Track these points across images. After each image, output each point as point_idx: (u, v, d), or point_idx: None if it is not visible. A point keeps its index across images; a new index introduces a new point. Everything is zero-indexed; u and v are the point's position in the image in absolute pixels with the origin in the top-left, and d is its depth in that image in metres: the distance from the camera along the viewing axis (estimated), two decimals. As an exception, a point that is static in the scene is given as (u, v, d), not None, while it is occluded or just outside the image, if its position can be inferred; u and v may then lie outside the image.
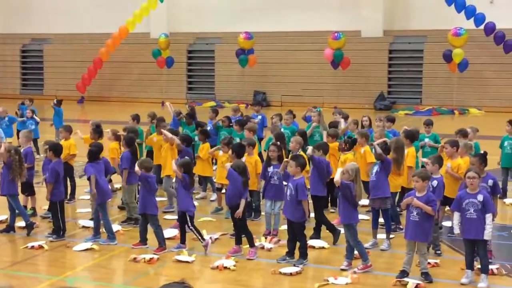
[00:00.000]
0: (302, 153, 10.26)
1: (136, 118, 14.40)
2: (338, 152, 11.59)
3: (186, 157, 11.11)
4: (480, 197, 8.35)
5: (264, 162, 10.85)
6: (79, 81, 33.26)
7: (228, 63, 32.09)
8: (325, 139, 12.03)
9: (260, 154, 12.83)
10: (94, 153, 10.61)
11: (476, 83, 29.05)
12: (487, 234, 8.30)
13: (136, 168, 10.03)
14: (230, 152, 10.80)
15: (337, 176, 8.95)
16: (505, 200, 12.81)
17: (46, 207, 11.36)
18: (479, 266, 8.57)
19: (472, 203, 8.35)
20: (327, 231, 10.28)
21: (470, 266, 8.54)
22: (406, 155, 10.97)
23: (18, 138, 13.07)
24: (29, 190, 11.64)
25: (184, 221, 9.89)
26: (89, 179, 10.37)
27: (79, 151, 12.76)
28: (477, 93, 29.07)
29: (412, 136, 11.57)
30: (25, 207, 11.56)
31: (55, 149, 10.67)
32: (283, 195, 10.27)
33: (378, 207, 10.07)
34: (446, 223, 10.68)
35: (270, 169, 10.50)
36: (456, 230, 8.59)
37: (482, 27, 27.82)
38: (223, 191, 11.50)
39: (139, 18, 32.04)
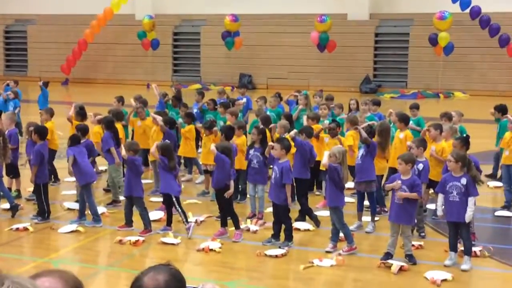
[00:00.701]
0: (287, 136, 10.27)
1: (120, 100, 14.35)
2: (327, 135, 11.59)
3: (167, 140, 11.13)
4: (463, 181, 8.41)
5: (248, 146, 10.88)
6: (63, 63, 33.01)
7: (214, 45, 31.96)
8: (305, 123, 12.02)
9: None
10: (76, 139, 10.54)
11: (461, 67, 29.14)
12: (468, 217, 8.37)
13: (123, 152, 10.01)
14: (219, 134, 10.78)
15: (324, 159, 8.98)
16: (488, 183, 12.91)
17: (31, 189, 11.32)
18: (463, 248, 8.66)
19: (456, 186, 8.41)
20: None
21: (453, 248, 8.62)
22: (404, 137, 11.00)
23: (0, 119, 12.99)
24: (13, 172, 11.59)
25: (170, 203, 9.91)
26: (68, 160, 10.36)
27: (63, 133, 12.68)
28: (462, 76, 29.17)
29: (406, 119, 11.56)
30: (10, 189, 11.51)
31: (41, 131, 10.60)
32: (263, 179, 10.38)
33: (364, 190, 10.12)
34: (430, 206, 10.77)
35: (251, 152, 10.54)
36: (439, 212, 8.69)
37: (467, 10, 27.88)
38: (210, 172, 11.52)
39: (124, -1, 31.77)
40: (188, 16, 33.68)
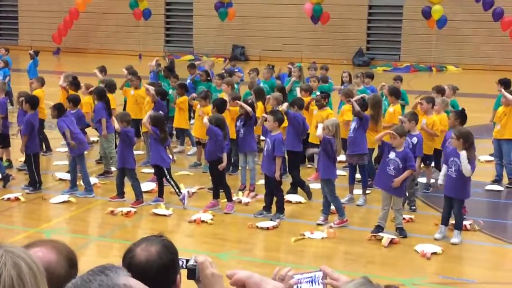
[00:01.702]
0: (280, 109, 10.26)
1: (103, 70, 14.33)
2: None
3: (159, 111, 11.10)
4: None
5: (236, 117, 10.88)
6: (55, 32, 32.72)
7: (207, 16, 31.72)
8: (299, 95, 12.01)
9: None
10: (61, 109, 10.44)
11: (454, 40, 29.07)
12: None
13: (116, 125, 9.96)
14: (211, 107, 10.75)
15: (319, 131, 8.98)
16: (480, 157, 12.95)
17: (23, 159, 11.28)
18: (453, 222, 8.72)
19: (455, 162, 8.43)
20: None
21: (445, 221, 8.68)
22: (393, 112, 11.01)
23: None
24: (4, 141, 11.53)
25: (161, 174, 9.91)
26: (63, 134, 10.28)
27: (54, 103, 12.60)
28: (455, 50, 29.11)
29: (397, 93, 11.56)
30: (1, 159, 11.47)
31: (32, 101, 10.52)
32: (249, 146, 10.37)
33: (355, 163, 10.15)
34: (422, 179, 10.82)
35: (238, 123, 10.57)
36: (440, 181, 8.70)
37: (462, -16, 27.76)
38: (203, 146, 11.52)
39: (116, -32, 31.42)
40: (181, -14, 33.38)
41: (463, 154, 8.26)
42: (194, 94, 12.48)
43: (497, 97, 12.34)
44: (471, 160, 8.35)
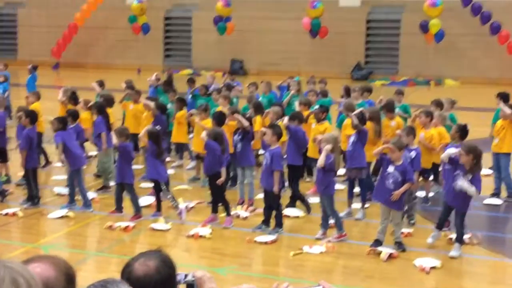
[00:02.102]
0: (280, 123, 10.28)
1: (101, 84, 14.39)
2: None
3: (156, 126, 11.11)
4: (469, 176, 8.37)
5: (234, 131, 10.89)
6: (54, 47, 32.81)
7: (206, 30, 31.84)
8: (297, 109, 12.02)
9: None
10: (63, 122, 10.48)
11: (452, 54, 29.18)
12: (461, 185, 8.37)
13: (114, 140, 9.95)
14: (210, 121, 10.76)
15: (321, 158, 8.86)
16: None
17: (21, 173, 11.28)
18: (452, 236, 8.72)
19: (460, 176, 8.42)
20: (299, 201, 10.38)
21: (439, 226, 8.78)
22: (396, 125, 11.08)
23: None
24: (2, 156, 11.53)
25: (159, 189, 9.91)
26: (58, 147, 10.31)
27: (53, 117, 12.62)
28: (453, 64, 29.21)
29: (390, 107, 11.61)
30: (-1, 173, 11.48)
31: (31, 116, 10.53)
32: (247, 161, 10.37)
33: (354, 176, 10.15)
34: (420, 193, 10.81)
35: (235, 137, 10.57)
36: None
37: (459, -2, 27.90)
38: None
39: (115, -17, 31.60)
40: (180, 1, 33.52)
41: (463, 184, 8.27)
42: (193, 110, 12.48)
43: (496, 111, 12.35)
44: (476, 175, 8.33)
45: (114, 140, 9.94)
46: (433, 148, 10.36)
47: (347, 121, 11.20)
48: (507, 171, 11.23)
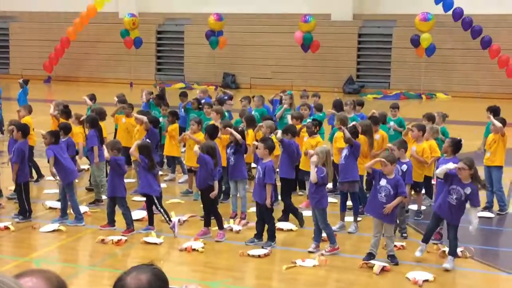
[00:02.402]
0: (273, 137, 10.29)
1: (93, 98, 14.40)
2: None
3: (147, 139, 11.10)
4: (467, 190, 8.44)
5: (226, 145, 10.89)
6: (46, 61, 32.79)
7: (198, 44, 31.90)
8: (290, 122, 12.04)
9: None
10: (56, 135, 10.46)
11: (443, 68, 29.32)
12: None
13: (106, 154, 9.94)
14: (203, 135, 10.77)
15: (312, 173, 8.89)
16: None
17: (13, 187, 11.23)
18: (444, 249, 8.74)
19: (457, 190, 8.46)
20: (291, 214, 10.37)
21: (426, 240, 8.81)
22: (380, 138, 11.11)
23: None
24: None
25: (151, 203, 9.88)
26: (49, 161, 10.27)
27: (45, 131, 12.59)
28: (444, 78, 29.36)
29: (376, 121, 11.69)
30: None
31: (23, 129, 10.51)
32: (240, 175, 10.36)
33: (347, 190, 10.16)
34: (412, 207, 10.83)
35: (228, 150, 10.58)
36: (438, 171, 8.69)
37: (450, 12, 28.06)
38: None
39: (107, -3, 31.64)
40: (172, 15, 33.59)
41: (475, 212, 8.50)
42: (186, 132, 12.41)
43: (487, 124, 12.41)
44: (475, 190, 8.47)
45: (106, 154, 9.93)
46: (425, 161, 10.40)
47: (338, 134, 11.22)
48: (499, 184, 11.27)
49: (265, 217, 9.33)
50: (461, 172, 8.41)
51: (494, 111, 12.51)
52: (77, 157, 11.81)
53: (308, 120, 12.31)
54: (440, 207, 8.69)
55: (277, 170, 10.44)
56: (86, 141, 11.59)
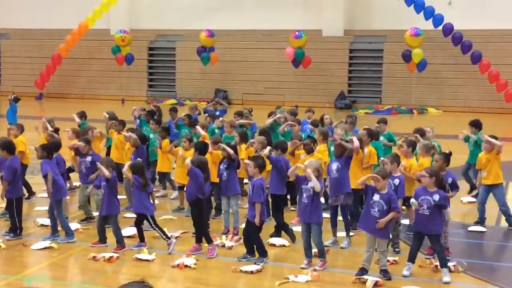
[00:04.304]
0: (263, 154, 10.28)
1: (82, 115, 14.39)
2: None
3: (138, 158, 11.05)
4: (436, 197, 8.55)
5: (219, 161, 10.86)
6: (37, 77, 32.77)
7: (189, 60, 31.98)
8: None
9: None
10: (49, 149, 10.43)
11: (434, 83, 29.49)
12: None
13: (106, 172, 9.85)
14: (193, 150, 10.75)
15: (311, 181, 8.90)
16: (462, 198, 13.03)
17: (4, 205, 11.17)
18: (437, 263, 8.74)
19: (426, 200, 8.62)
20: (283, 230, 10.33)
21: (411, 259, 8.83)
22: (368, 152, 11.06)
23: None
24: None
25: (140, 221, 9.83)
26: (45, 177, 10.21)
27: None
28: (435, 93, 29.52)
29: (372, 135, 11.66)
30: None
31: (8, 147, 10.44)
32: (233, 190, 10.33)
33: (340, 203, 10.09)
34: (404, 221, 10.82)
35: (221, 166, 10.56)
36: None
37: (440, 28, 28.25)
38: (185, 189, 11.47)
39: (99, 14, 31.70)
40: (164, 31, 33.69)
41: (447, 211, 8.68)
42: (175, 142, 12.42)
43: (468, 139, 13.00)
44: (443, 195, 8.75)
45: (105, 172, 9.79)
46: (412, 177, 10.27)
47: (320, 148, 11.29)
48: (503, 199, 11.26)
49: (251, 234, 9.28)
50: (424, 180, 8.62)
51: (477, 125, 12.66)
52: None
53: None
54: (415, 223, 8.83)
55: (267, 186, 10.39)
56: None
